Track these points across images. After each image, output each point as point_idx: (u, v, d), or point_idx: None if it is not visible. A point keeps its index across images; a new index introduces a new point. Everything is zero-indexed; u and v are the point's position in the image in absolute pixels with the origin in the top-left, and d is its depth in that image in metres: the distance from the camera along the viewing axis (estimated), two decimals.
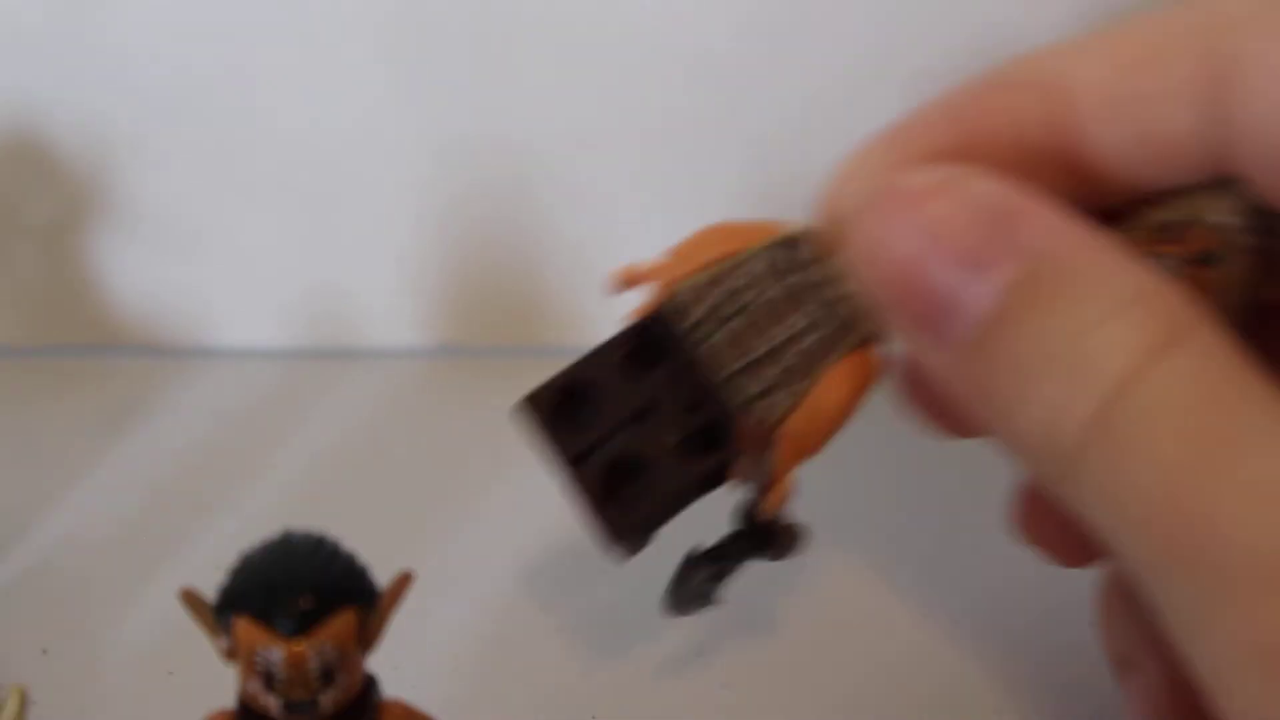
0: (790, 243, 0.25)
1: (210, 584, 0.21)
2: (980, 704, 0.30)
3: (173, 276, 0.41)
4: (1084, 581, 0.27)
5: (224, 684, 0.22)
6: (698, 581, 0.27)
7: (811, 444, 0.25)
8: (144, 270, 0.41)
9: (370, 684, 0.22)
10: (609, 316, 0.29)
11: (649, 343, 0.25)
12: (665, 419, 0.25)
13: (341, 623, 0.21)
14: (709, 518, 0.26)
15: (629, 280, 0.26)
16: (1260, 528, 0.18)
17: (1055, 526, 0.26)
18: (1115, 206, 0.24)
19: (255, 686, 0.21)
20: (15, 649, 0.31)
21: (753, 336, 0.25)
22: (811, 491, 0.27)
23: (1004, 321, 0.21)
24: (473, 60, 0.38)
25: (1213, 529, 0.19)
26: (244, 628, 0.21)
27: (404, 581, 0.22)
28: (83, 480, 0.36)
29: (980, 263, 0.21)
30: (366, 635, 0.22)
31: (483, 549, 0.33)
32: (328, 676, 0.21)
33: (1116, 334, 0.20)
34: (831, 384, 0.25)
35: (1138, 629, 0.26)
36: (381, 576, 0.22)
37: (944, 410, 0.26)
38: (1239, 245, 0.24)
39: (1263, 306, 0.25)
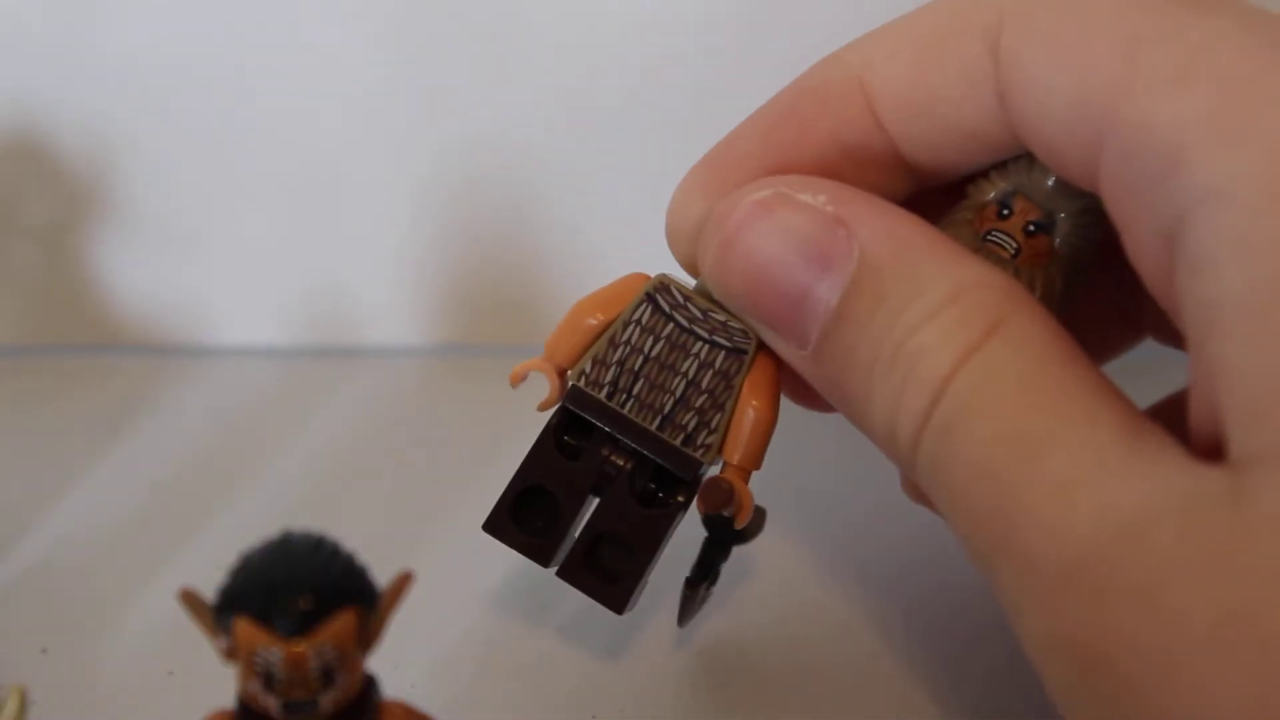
0: (661, 286, 0.27)
1: (210, 584, 0.21)
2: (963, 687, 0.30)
3: (172, 276, 0.41)
4: None
5: (224, 684, 0.22)
6: (700, 595, 0.30)
7: (754, 453, 0.27)
8: (144, 269, 0.41)
9: (370, 684, 0.22)
10: None
11: (575, 422, 0.28)
12: (619, 486, 0.28)
13: (341, 623, 0.21)
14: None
15: (522, 375, 0.28)
16: (1061, 523, 0.19)
17: None
18: (946, 188, 0.25)
19: (255, 687, 0.21)
20: (15, 648, 0.31)
21: (668, 379, 0.27)
22: (795, 486, 0.27)
23: (842, 321, 0.22)
24: (472, 60, 0.38)
25: (1020, 525, 0.19)
26: (243, 628, 0.21)
27: (404, 581, 0.22)
28: (82, 480, 0.36)
29: (825, 262, 0.22)
30: (366, 635, 0.22)
31: (483, 548, 0.33)
32: (327, 677, 0.21)
33: (935, 334, 0.21)
34: (751, 394, 0.27)
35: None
36: (381, 576, 0.22)
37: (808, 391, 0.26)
38: (1064, 209, 0.25)
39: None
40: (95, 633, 0.31)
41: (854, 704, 0.30)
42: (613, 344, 0.27)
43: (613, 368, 0.27)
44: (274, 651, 0.21)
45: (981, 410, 0.20)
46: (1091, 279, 0.29)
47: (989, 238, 0.25)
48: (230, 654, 0.21)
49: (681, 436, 0.27)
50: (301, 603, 0.21)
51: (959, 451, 0.20)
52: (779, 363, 0.26)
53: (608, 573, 0.28)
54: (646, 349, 0.27)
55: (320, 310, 0.42)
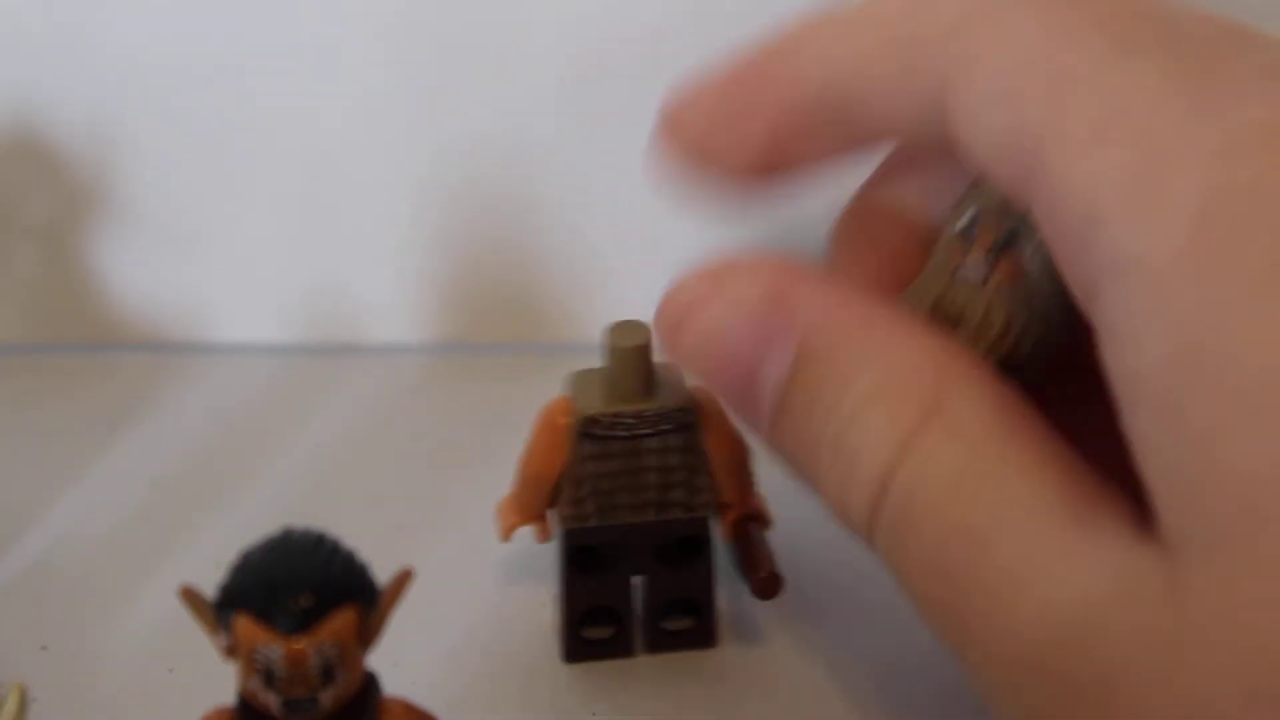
0: (585, 421, 0.28)
1: (210, 581, 0.21)
2: None
3: (173, 274, 0.41)
4: None
5: (224, 681, 0.22)
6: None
7: (747, 485, 0.30)
8: (144, 268, 0.41)
9: (371, 682, 0.22)
10: (607, 314, 0.29)
11: (583, 550, 0.29)
12: (652, 566, 0.30)
13: (341, 620, 0.21)
14: None
15: (512, 532, 0.30)
16: (1010, 621, 0.19)
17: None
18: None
19: (255, 684, 0.21)
20: (15, 646, 0.31)
21: (641, 479, 0.29)
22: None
23: (787, 409, 0.22)
24: (473, 58, 0.38)
25: (973, 623, 0.20)
26: (243, 625, 0.21)
27: (404, 579, 0.22)
28: (83, 478, 0.36)
29: (771, 336, 0.22)
30: (367, 633, 0.22)
31: (485, 546, 0.33)
32: (328, 674, 0.21)
33: (872, 425, 0.21)
34: (717, 447, 0.29)
35: None
36: (381, 574, 0.22)
37: None
38: (1027, 222, 0.24)
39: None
40: (96, 630, 0.31)
41: (861, 703, 0.30)
42: (576, 484, 0.29)
43: (588, 499, 0.29)
44: (274, 649, 0.21)
45: (924, 509, 0.20)
46: None
47: (958, 274, 0.25)
48: (230, 651, 0.21)
49: (681, 509, 0.29)
50: (302, 600, 0.21)
51: (909, 548, 0.21)
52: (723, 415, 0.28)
53: (685, 629, 0.30)
54: (609, 471, 0.29)
55: (320, 308, 0.42)
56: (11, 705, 0.28)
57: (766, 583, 0.29)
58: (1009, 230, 0.24)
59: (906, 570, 0.21)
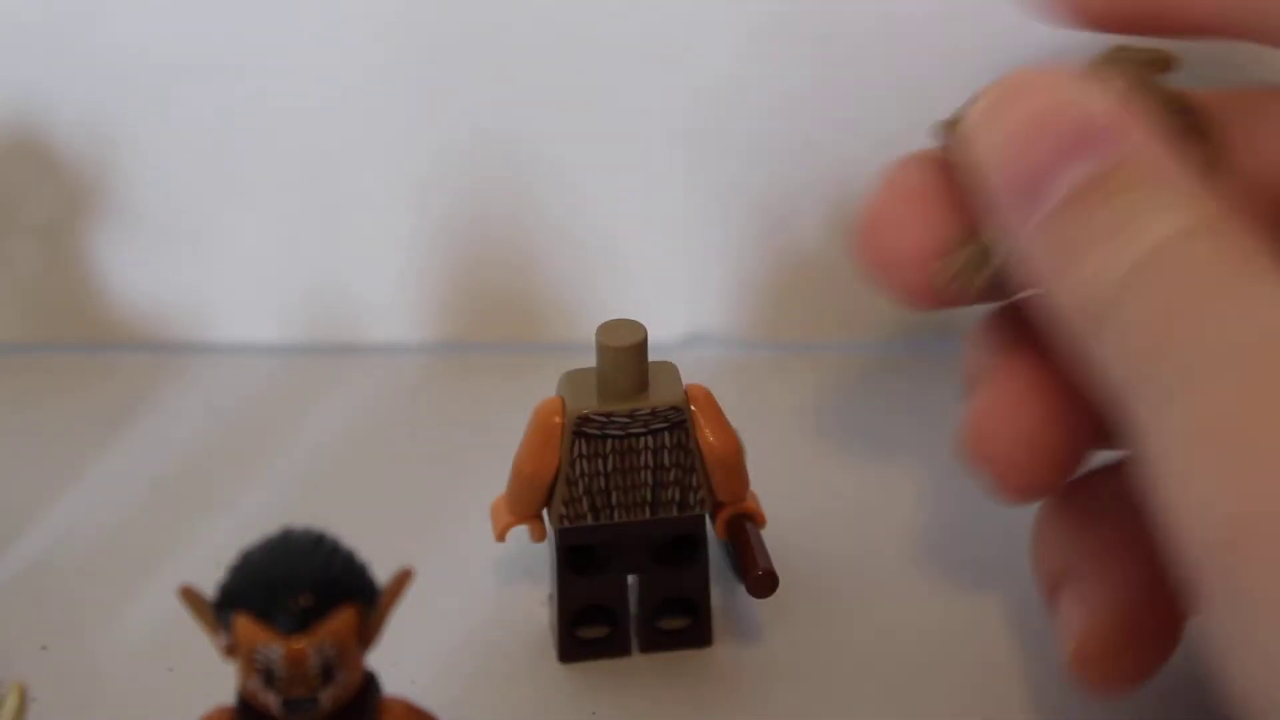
0: (580, 420, 0.28)
1: (210, 581, 0.21)
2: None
3: (173, 273, 0.41)
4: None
5: (224, 681, 0.22)
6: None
7: (741, 483, 0.30)
8: (144, 267, 0.41)
9: (370, 681, 0.22)
10: (605, 315, 0.29)
11: (577, 550, 0.29)
12: (646, 564, 0.30)
13: (341, 620, 0.21)
14: None
15: (506, 531, 0.30)
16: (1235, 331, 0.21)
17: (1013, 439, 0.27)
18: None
19: (255, 684, 0.21)
20: (15, 646, 0.31)
21: (634, 478, 0.29)
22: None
23: (1079, 201, 0.23)
24: (474, 58, 0.38)
25: (1188, 330, 0.21)
26: (243, 625, 0.21)
27: (404, 578, 0.22)
28: (82, 477, 0.36)
29: (1076, 152, 0.23)
30: (366, 632, 0.22)
31: (483, 545, 0.33)
32: (327, 674, 0.21)
33: (1160, 218, 0.22)
34: (709, 445, 0.29)
35: (1080, 537, 0.28)
36: (382, 573, 0.22)
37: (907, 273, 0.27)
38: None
39: None
40: (95, 630, 0.31)
41: (856, 701, 0.30)
42: (570, 483, 0.29)
43: (583, 498, 0.29)
44: (274, 648, 0.21)
45: (1184, 276, 0.22)
46: None
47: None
48: (230, 651, 0.21)
49: (675, 509, 0.29)
50: (301, 600, 0.21)
51: (1154, 302, 0.22)
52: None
53: (680, 628, 0.30)
54: (602, 469, 0.29)
55: (320, 308, 0.42)
56: (11, 705, 0.28)
57: (761, 581, 0.29)
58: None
59: (1140, 324, 0.22)
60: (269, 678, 0.21)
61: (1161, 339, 0.21)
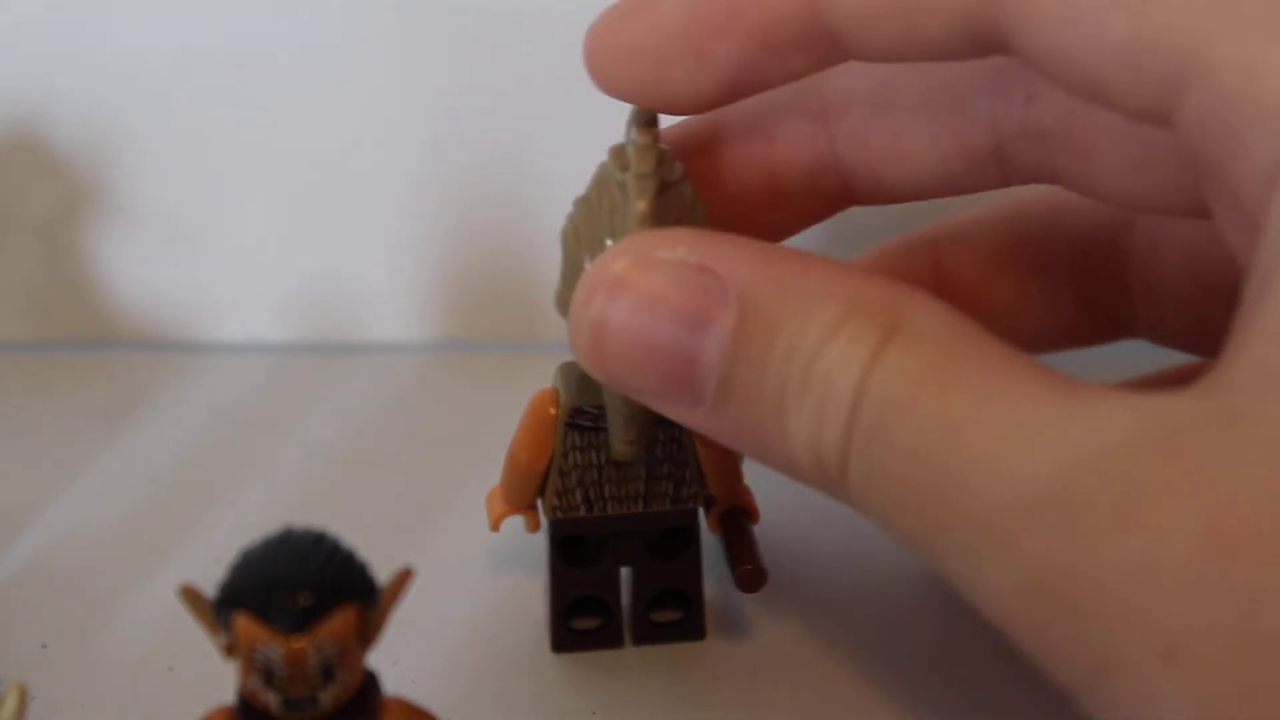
0: (573, 412, 0.28)
1: (210, 580, 0.21)
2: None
3: (172, 271, 0.41)
4: None
5: (224, 680, 0.22)
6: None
7: (735, 477, 0.30)
8: (143, 265, 0.41)
9: (371, 681, 0.22)
10: None
11: (570, 541, 0.30)
12: (640, 557, 0.30)
13: (341, 619, 0.21)
14: None
15: (501, 521, 0.30)
16: (1015, 469, 0.19)
17: None
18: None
19: (255, 683, 0.21)
20: (15, 645, 0.31)
21: (627, 470, 0.29)
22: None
23: (739, 366, 0.21)
24: (472, 55, 0.38)
25: (966, 488, 0.19)
26: (243, 624, 0.21)
27: (404, 578, 0.22)
28: (82, 476, 0.36)
29: (704, 319, 0.22)
30: (367, 632, 0.22)
31: (484, 544, 0.33)
32: (328, 673, 0.21)
33: (838, 353, 0.21)
34: (702, 438, 0.28)
35: None
36: (381, 573, 0.22)
37: None
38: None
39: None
40: (95, 629, 0.31)
41: (849, 695, 0.30)
42: (563, 475, 0.29)
43: (576, 490, 0.29)
44: (274, 648, 0.21)
45: (903, 404, 0.20)
46: (1062, 266, 0.29)
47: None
48: (230, 650, 0.21)
49: (668, 502, 0.29)
50: (301, 599, 0.21)
51: (890, 448, 0.20)
52: None
53: (674, 621, 0.30)
54: (595, 461, 0.29)
55: (319, 306, 0.42)
56: (11, 704, 0.28)
57: (750, 576, 0.29)
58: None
59: (884, 473, 0.20)
60: (269, 677, 0.21)
61: (930, 502, 0.20)
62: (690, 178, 0.25)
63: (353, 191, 0.40)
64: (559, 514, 0.29)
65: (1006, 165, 0.27)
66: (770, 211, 0.28)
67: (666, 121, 0.27)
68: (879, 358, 0.20)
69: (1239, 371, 0.18)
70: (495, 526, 0.30)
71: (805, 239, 0.29)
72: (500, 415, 0.31)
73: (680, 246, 0.22)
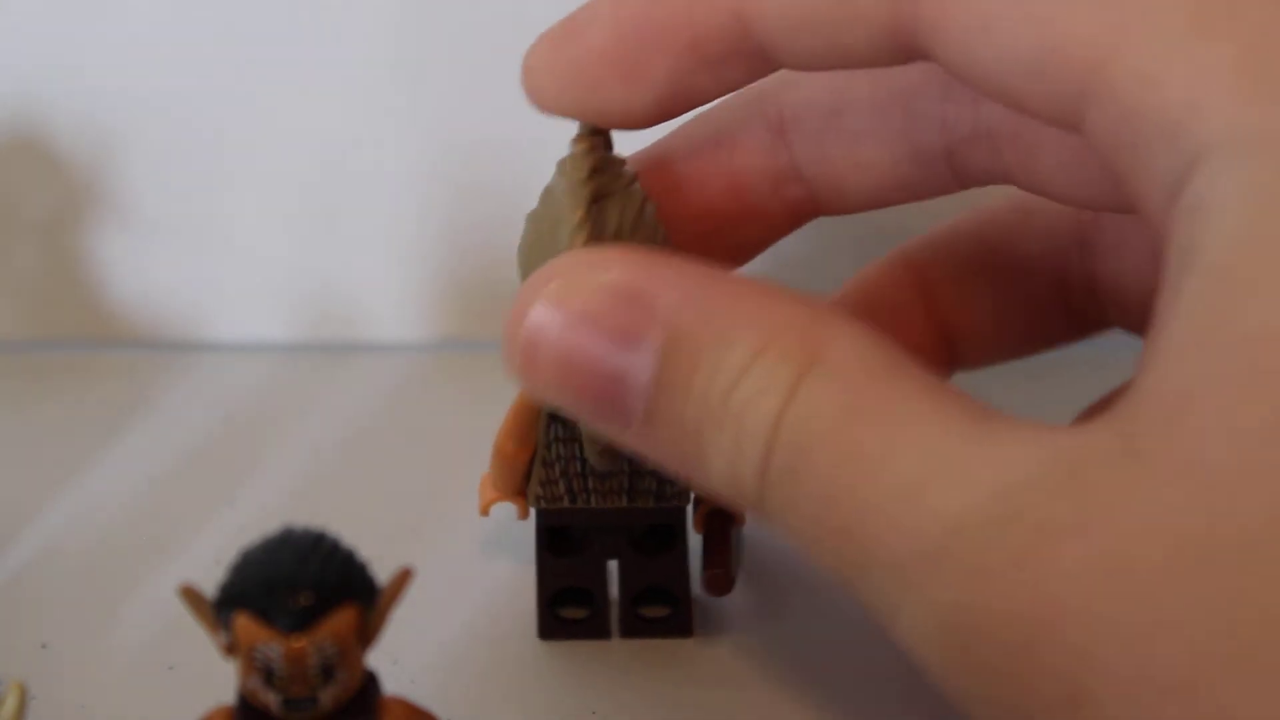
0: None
1: (210, 579, 0.21)
2: None
3: (172, 271, 0.41)
4: None
5: (224, 679, 0.22)
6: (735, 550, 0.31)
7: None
8: (144, 264, 0.41)
9: (370, 680, 0.22)
10: None
11: (557, 531, 0.30)
12: (625, 552, 0.30)
13: (341, 619, 0.21)
14: None
15: (489, 506, 0.30)
16: (913, 516, 0.19)
17: None
18: None
19: (255, 683, 0.21)
20: (14, 644, 0.31)
21: (610, 459, 0.28)
22: None
23: (663, 392, 0.22)
24: (476, 56, 0.38)
25: (873, 531, 0.19)
26: (243, 624, 0.21)
27: (404, 577, 0.22)
28: (82, 475, 0.36)
29: (632, 339, 0.22)
30: (367, 632, 0.22)
31: (484, 544, 0.33)
32: (328, 673, 0.21)
33: (758, 380, 0.21)
34: None
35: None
36: (381, 572, 0.22)
37: None
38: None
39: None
40: (95, 628, 0.31)
41: (836, 695, 0.30)
42: (546, 465, 0.29)
43: (559, 481, 0.29)
44: (274, 647, 0.21)
45: (815, 444, 0.20)
46: (1035, 268, 0.29)
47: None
48: (230, 650, 0.21)
49: (652, 498, 0.29)
50: (301, 599, 0.21)
51: (802, 488, 0.20)
52: None
53: (661, 616, 0.31)
54: (578, 454, 0.29)
55: (320, 306, 0.42)
56: (11, 703, 0.28)
57: (715, 580, 0.29)
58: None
59: (799, 511, 0.21)
60: (269, 677, 0.21)
61: (843, 543, 0.20)
62: (655, 194, 0.26)
63: (352, 191, 0.40)
64: (543, 503, 0.29)
65: (960, 168, 0.27)
66: (738, 225, 0.28)
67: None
68: (795, 393, 0.20)
69: (1141, 401, 0.18)
70: (484, 511, 0.30)
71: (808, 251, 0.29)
72: (499, 415, 0.31)
73: (612, 269, 0.22)
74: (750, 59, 0.24)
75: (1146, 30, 0.19)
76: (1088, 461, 0.18)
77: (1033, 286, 0.30)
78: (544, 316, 0.23)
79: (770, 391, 0.20)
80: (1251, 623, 0.16)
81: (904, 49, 0.22)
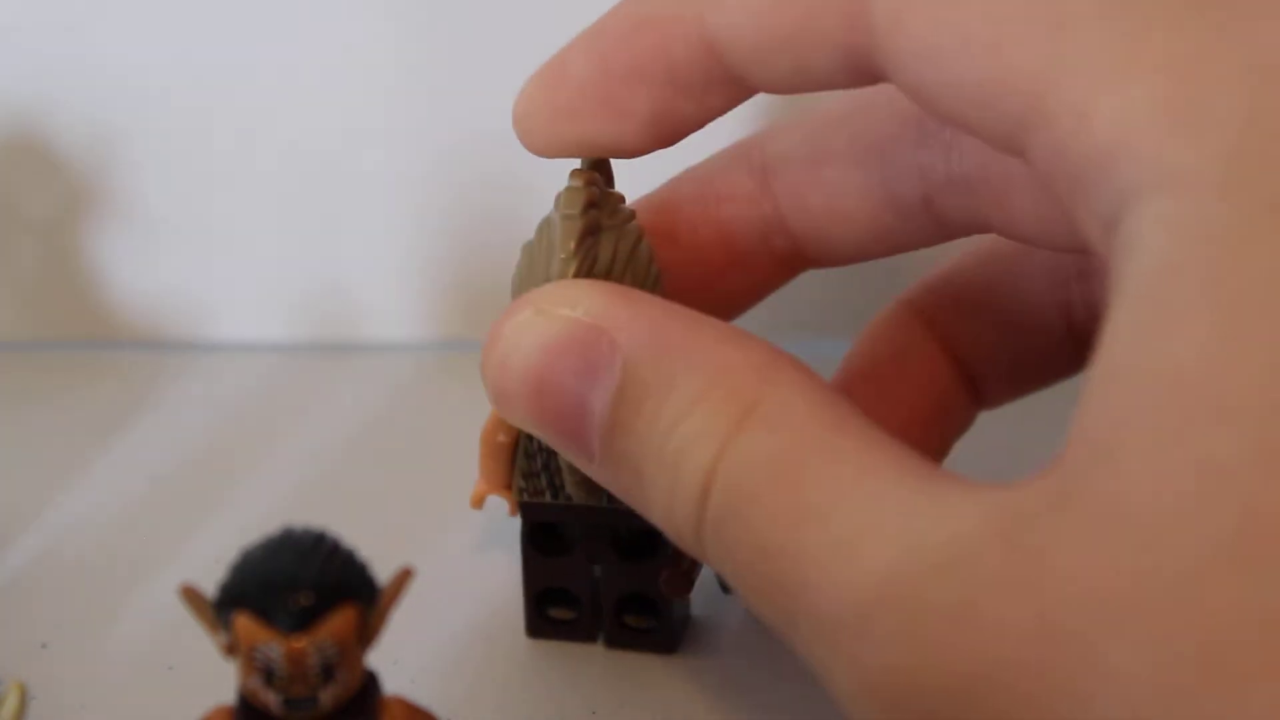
0: None
1: (211, 579, 0.21)
2: None
3: (173, 270, 0.41)
4: None
5: (224, 679, 0.22)
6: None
7: None
8: (144, 264, 0.41)
9: (371, 680, 0.22)
10: None
11: (542, 528, 0.30)
12: (609, 557, 0.30)
13: (341, 619, 0.21)
14: None
15: (482, 500, 0.30)
16: (845, 575, 0.19)
17: None
18: None
19: (255, 683, 0.21)
20: (15, 644, 0.31)
21: (587, 490, 0.28)
22: None
23: (615, 429, 0.22)
24: (474, 58, 0.38)
25: (806, 587, 0.19)
26: (243, 624, 0.21)
27: (404, 577, 0.22)
28: (83, 475, 0.36)
29: (592, 373, 0.22)
30: (367, 632, 0.22)
31: (484, 544, 0.33)
32: (328, 673, 0.21)
33: (696, 426, 0.21)
34: None
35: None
36: (381, 572, 0.22)
37: None
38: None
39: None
40: (95, 628, 0.31)
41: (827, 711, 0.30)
42: (528, 456, 0.29)
43: (540, 474, 0.29)
44: (274, 647, 0.21)
45: (747, 498, 0.20)
46: (1040, 301, 0.29)
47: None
48: (231, 650, 0.21)
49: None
50: (302, 599, 0.21)
51: (737, 539, 0.20)
52: None
53: (644, 630, 0.30)
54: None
55: (320, 305, 0.42)
56: (11, 703, 0.28)
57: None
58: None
59: (734, 560, 0.21)
60: (269, 677, 0.21)
61: (776, 599, 0.20)
62: (653, 240, 0.26)
63: (352, 191, 0.40)
64: (525, 496, 0.29)
65: (940, 216, 0.27)
66: (726, 274, 0.28)
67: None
68: (732, 441, 0.20)
69: (1071, 444, 0.18)
70: (475, 504, 0.30)
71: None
72: None
73: (581, 304, 0.23)
74: (726, 85, 0.24)
75: (1081, 62, 0.19)
76: (1023, 515, 0.18)
77: (1041, 318, 0.30)
78: (514, 343, 0.23)
79: (706, 438, 0.21)
80: (1186, 671, 0.16)
81: (863, 71, 0.22)
